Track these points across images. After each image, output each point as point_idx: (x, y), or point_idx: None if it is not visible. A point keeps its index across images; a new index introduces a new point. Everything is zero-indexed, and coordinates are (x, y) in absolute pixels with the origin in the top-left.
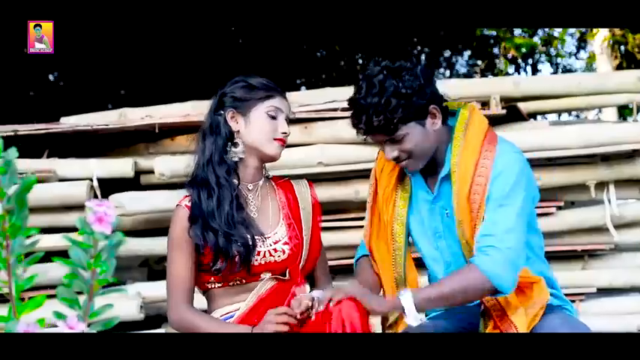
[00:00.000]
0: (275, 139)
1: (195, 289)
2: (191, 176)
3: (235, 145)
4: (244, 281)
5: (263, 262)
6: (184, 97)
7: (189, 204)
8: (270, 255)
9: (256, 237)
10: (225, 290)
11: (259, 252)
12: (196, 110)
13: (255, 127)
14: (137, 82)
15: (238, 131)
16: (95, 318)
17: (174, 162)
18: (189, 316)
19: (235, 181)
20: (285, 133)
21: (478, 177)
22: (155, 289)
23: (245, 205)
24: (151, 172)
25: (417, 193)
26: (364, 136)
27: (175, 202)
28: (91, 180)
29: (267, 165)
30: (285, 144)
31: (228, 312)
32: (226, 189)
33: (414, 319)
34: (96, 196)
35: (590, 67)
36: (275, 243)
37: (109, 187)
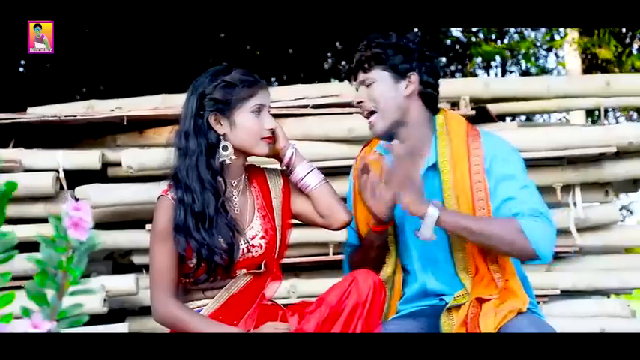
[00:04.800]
0: (262, 139)
1: None
2: (174, 172)
3: (225, 148)
4: (219, 278)
5: (241, 260)
6: (154, 90)
7: (174, 195)
8: (248, 251)
9: (239, 238)
10: (197, 286)
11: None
12: (165, 103)
13: (241, 129)
14: (107, 74)
15: (224, 134)
16: (63, 317)
17: (142, 155)
18: (177, 312)
19: (221, 180)
20: (271, 129)
21: (475, 166)
22: (119, 283)
23: (229, 204)
24: (119, 164)
25: None
26: (352, 76)
27: (143, 195)
28: (58, 171)
29: None
30: (271, 139)
31: (196, 307)
32: (210, 193)
33: (428, 230)
34: (62, 188)
35: (559, 66)
36: (252, 238)
37: (75, 178)
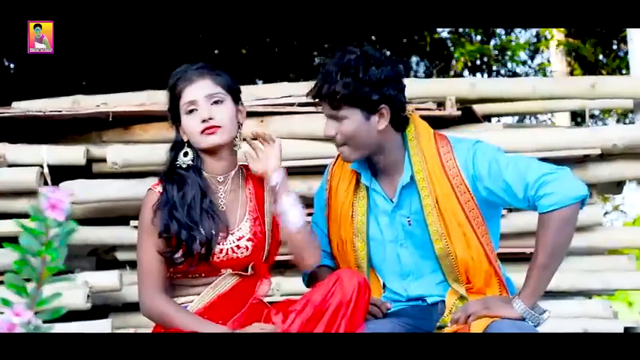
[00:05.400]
0: (200, 133)
1: None
2: (166, 166)
3: (185, 154)
4: (204, 275)
5: (225, 259)
6: (141, 86)
7: (161, 189)
8: (233, 252)
9: (221, 233)
10: (182, 281)
11: (222, 249)
12: (151, 100)
13: (186, 132)
14: (94, 70)
15: (188, 140)
16: (43, 306)
17: (127, 151)
18: (164, 307)
19: (205, 173)
20: (205, 120)
21: (454, 178)
22: (103, 279)
23: (214, 198)
24: (104, 160)
25: (375, 202)
26: (314, 100)
27: (127, 191)
28: (42, 166)
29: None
30: (213, 128)
31: (181, 304)
32: (194, 182)
33: (533, 320)
34: (46, 183)
35: (543, 73)
36: (238, 240)
37: (60, 174)
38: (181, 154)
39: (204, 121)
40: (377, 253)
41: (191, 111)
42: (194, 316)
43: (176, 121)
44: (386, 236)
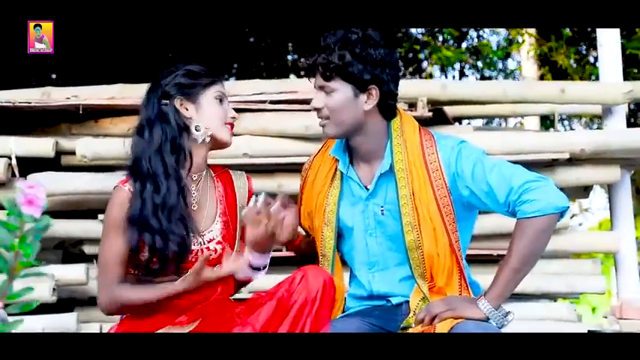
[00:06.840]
0: (226, 124)
1: None
2: (132, 163)
3: (197, 128)
4: (169, 274)
5: (194, 260)
6: (112, 79)
7: (131, 188)
8: (202, 253)
9: (192, 235)
10: (149, 278)
11: (192, 251)
12: (122, 93)
13: (206, 112)
14: (65, 62)
15: (190, 118)
16: (13, 300)
17: (96, 144)
18: (118, 292)
19: (183, 171)
20: (235, 117)
21: (434, 172)
22: (69, 272)
23: (187, 197)
24: (73, 153)
25: (349, 190)
26: (304, 73)
27: (96, 185)
28: (10, 158)
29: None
30: (233, 129)
31: None
32: (174, 180)
33: (498, 321)
34: (14, 175)
35: (513, 76)
36: (209, 242)
37: (28, 166)
38: (193, 127)
39: (233, 117)
40: (347, 242)
41: (220, 100)
42: (148, 286)
43: (183, 97)
44: (356, 224)
